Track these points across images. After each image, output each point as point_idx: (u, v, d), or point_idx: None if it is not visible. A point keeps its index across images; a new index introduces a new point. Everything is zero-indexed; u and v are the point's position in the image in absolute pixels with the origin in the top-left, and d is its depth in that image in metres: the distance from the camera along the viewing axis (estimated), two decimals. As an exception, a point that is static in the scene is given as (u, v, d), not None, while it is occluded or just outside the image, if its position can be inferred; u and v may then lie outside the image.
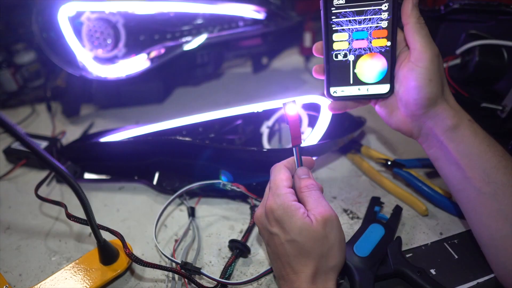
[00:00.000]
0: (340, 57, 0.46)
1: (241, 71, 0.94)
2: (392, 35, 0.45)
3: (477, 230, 0.45)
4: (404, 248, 0.51)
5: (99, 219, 0.60)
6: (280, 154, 0.59)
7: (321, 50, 0.47)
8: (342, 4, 0.44)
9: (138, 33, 0.81)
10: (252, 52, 0.89)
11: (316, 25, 1.09)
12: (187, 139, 0.61)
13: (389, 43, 0.45)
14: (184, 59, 0.84)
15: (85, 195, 0.43)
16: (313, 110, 0.66)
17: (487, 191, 0.43)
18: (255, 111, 0.68)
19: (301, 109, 0.46)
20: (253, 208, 0.57)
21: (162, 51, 0.81)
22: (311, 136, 0.61)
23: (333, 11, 0.44)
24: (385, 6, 0.44)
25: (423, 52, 0.43)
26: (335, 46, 0.46)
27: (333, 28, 0.45)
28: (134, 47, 0.83)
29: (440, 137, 0.45)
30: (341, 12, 0.44)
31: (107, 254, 0.50)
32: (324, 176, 0.64)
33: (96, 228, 0.47)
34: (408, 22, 0.44)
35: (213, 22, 0.82)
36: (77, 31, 0.77)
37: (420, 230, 0.54)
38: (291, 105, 0.43)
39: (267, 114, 0.69)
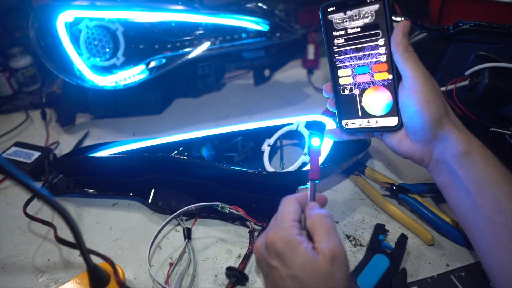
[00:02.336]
0: (346, 91, 0.49)
1: (242, 83, 0.92)
2: (393, 68, 0.45)
3: (487, 262, 0.43)
4: (409, 279, 0.49)
5: (91, 238, 0.58)
6: (277, 177, 0.57)
7: (330, 90, 0.51)
8: (342, 43, 0.47)
9: (138, 42, 0.79)
10: (254, 64, 0.87)
11: (319, 37, 1.07)
12: (183, 157, 0.59)
13: (390, 76, 0.46)
14: (185, 70, 0.82)
15: (73, 219, 0.40)
16: (316, 129, 0.64)
17: (499, 221, 0.41)
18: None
19: (320, 138, 0.45)
20: (252, 232, 0.54)
21: (162, 61, 0.78)
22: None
23: (335, 50, 0.48)
24: (381, 42, 0.45)
25: (415, 77, 0.43)
26: (341, 81, 0.49)
27: (337, 65, 0.48)
28: (133, 56, 0.81)
29: (450, 162, 0.44)
30: (342, 50, 0.47)
31: (97, 279, 0.47)
32: (328, 199, 0.61)
33: (86, 253, 0.44)
34: (397, 51, 0.44)
35: (215, 33, 0.80)
36: (75, 38, 0.75)
37: (425, 261, 0.51)
38: (316, 139, 0.45)
39: (269, 131, 0.67)
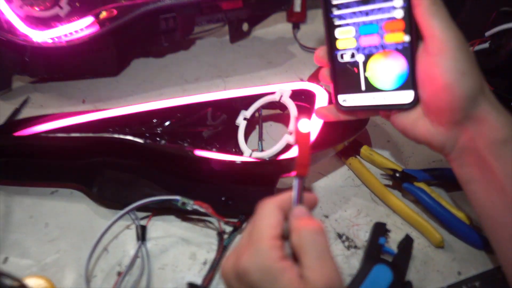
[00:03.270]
0: (346, 58, 0.38)
1: (215, 39, 0.77)
2: (411, 27, 0.34)
3: None
4: (414, 292, 0.39)
5: (21, 238, 0.46)
6: (256, 166, 0.46)
7: (324, 56, 0.40)
8: None
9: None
10: (230, 17, 0.72)
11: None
12: (129, 137, 0.46)
13: (407, 38, 0.35)
14: (145, 22, 0.67)
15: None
16: (304, 100, 0.52)
17: None
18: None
19: (307, 124, 0.32)
20: (221, 234, 0.43)
21: (115, 12, 0.64)
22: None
23: (333, 2, 0.36)
24: None
25: (447, 40, 0.33)
26: (340, 44, 0.38)
27: (335, 23, 0.37)
28: (79, 5, 0.65)
29: (483, 151, 0.34)
30: (343, 2, 0.36)
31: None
32: (314, 184, 0.51)
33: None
34: (421, 3, 0.33)
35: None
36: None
37: (433, 268, 0.42)
38: (304, 123, 0.32)
39: (246, 101, 0.54)
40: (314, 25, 0.80)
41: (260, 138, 0.53)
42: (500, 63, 0.52)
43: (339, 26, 0.37)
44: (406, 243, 0.42)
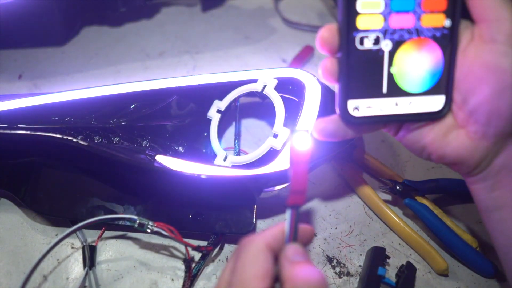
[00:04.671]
0: (368, 44, 0.28)
1: (184, 6, 0.65)
2: (454, 9, 0.27)
3: None
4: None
5: None
6: (236, 181, 0.37)
7: (331, 38, 0.28)
8: None
9: None
10: (201, -21, 0.61)
11: None
12: (70, 138, 0.36)
13: (448, 23, 0.28)
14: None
15: None
16: (291, 92, 0.43)
17: None
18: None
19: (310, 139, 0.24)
20: (189, 262, 0.35)
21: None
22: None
23: None
24: None
25: None
26: (362, 22, 0.27)
27: None
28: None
29: None
30: None
31: None
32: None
33: None
34: None
35: None
36: None
37: (436, 298, 0.36)
38: (303, 137, 0.25)
39: (221, 89, 0.45)
40: (298, -5, 0.70)
41: (237, 136, 0.44)
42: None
43: None
44: (408, 273, 0.36)
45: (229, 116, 0.47)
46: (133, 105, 0.44)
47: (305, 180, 0.25)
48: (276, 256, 0.25)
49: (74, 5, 0.58)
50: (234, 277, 0.24)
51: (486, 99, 0.27)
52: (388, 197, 0.43)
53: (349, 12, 0.27)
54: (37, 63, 0.56)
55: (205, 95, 0.45)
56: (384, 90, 0.29)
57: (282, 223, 0.26)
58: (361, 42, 0.28)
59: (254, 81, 0.44)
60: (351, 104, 0.29)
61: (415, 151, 0.32)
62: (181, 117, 0.45)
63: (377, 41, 0.28)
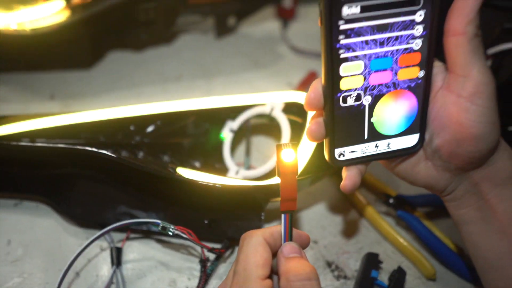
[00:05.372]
0: (350, 102, 0.30)
1: (199, 34, 0.72)
2: (427, 61, 0.30)
3: None
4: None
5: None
6: (243, 191, 0.42)
7: (317, 100, 0.30)
8: (355, 15, 0.27)
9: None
10: (216, 10, 0.67)
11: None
12: (103, 152, 0.42)
13: (422, 74, 0.30)
14: (122, 12, 0.61)
15: None
16: (296, 113, 0.49)
17: None
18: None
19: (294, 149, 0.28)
20: (204, 262, 0.40)
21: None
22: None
23: (341, 28, 0.27)
24: (420, 15, 0.28)
25: (485, 84, 0.28)
26: (344, 84, 0.29)
27: (341, 56, 0.28)
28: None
29: (486, 193, 0.32)
30: (353, 28, 0.27)
31: None
32: (302, 206, 0.48)
33: None
34: (465, 33, 0.27)
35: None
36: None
37: (424, 301, 0.41)
38: (288, 151, 0.28)
39: (233, 110, 0.50)
40: (305, 24, 0.76)
41: (248, 154, 0.50)
42: (501, 85, 0.49)
43: (346, 59, 0.28)
44: (399, 276, 0.40)
45: (241, 135, 0.52)
46: (155, 124, 0.49)
47: (294, 189, 0.29)
48: (274, 251, 0.30)
49: (101, 33, 0.64)
50: (238, 266, 0.28)
51: (447, 143, 0.31)
52: (383, 210, 0.48)
53: (333, 76, 0.29)
54: (67, 85, 0.62)
55: (219, 116, 0.51)
56: (366, 136, 0.32)
57: (278, 225, 0.30)
58: (344, 101, 0.30)
59: (263, 103, 0.49)
60: (337, 151, 0.32)
61: (396, 176, 0.36)
62: (197, 135, 0.50)
63: (358, 97, 0.30)
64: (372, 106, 0.31)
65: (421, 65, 0.30)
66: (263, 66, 0.68)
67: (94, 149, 0.41)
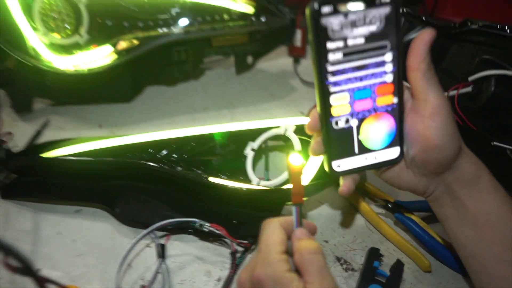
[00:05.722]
0: (341, 124, 0.38)
1: (222, 70, 0.83)
2: (398, 90, 0.38)
3: None
4: (404, 311, 0.45)
5: (50, 252, 0.50)
6: (264, 194, 0.51)
7: (315, 125, 0.39)
8: (339, 59, 0.35)
9: (104, 17, 0.69)
10: (236, 50, 0.79)
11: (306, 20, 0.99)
12: (153, 164, 0.51)
13: (396, 100, 0.38)
14: (158, 54, 0.73)
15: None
16: (306, 134, 0.58)
17: (507, 259, 0.38)
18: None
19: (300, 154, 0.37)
20: (233, 254, 0.49)
21: (135, 42, 0.69)
22: (304, 171, 0.53)
23: (328, 69, 0.35)
24: (389, 57, 0.36)
25: (440, 105, 0.37)
26: (335, 111, 0.37)
27: (331, 90, 0.36)
28: (99, 34, 0.70)
29: (458, 193, 0.40)
30: (338, 69, 0.35)
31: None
32: (314, 212, 0.57)
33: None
34: (419, 69, 0.37)
35: (194, 12, 0.71)
36: (28, 8, 0.64)
37: (421, 289, 0.48)
38: (296, 157, 0.36)
39: (253, 133, 0.60)
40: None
41: (267, 168, 0.59)
42: (482, 106, 0.58)
43: (334, 93, 0.36)
44: (397, 267, 0.48)
45: (260, 152, 0.61)
46: (190, 145, 0.59)
47: (301, 187, 0.36)
48: (288, 236, 0.38)
49: (140, 71, 0.75)
50: (261, 244, 0.36)
51: (419, 153, 0.39)
52: (383, 213, 0.56)
53: (325, 106, 0.37)
54: (112, 115, 0.73)
55: (241, 138, 0.60)
56: (356, 151, 0.39)
57: (291, 216, 0.38)
58: (336, 124, 0.38)
59: (278, 126, 0.59)
60: (335, 163, 0.40)
61: (386, 182, 0.44)
62: (224, 154, 0.60)
63: (347, 121, 0.38)
64: (358, 127, 0.38)
65: (394, 93, 0.38)
66: (278, 97, 0.78)
67: (144, 162, 0.51)
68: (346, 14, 0.33)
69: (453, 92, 0.60)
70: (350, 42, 0.35)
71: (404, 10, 0.67)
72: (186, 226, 0.50)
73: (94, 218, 0.55)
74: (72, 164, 0.55)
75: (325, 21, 0.33)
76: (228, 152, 0.60)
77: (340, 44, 0.34)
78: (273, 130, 0.59)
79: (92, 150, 0.58)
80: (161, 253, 0.49)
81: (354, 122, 0.38)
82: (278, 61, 0.87)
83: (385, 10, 0.34)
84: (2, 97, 0.74)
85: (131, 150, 0.58)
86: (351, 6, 0.33)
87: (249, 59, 0.83)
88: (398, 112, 0.39)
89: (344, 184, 0.42)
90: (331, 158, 0.39)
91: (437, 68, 0.66)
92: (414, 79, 0.37)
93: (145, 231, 0.49)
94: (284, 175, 0.54)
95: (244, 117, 0.73)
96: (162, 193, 0.54)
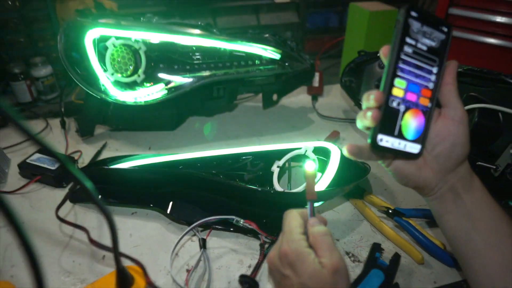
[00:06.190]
0: (394, 104, 0.45)
1: (251, 105, 0.98)
2: (433, 98, 0.47)
3: (479, 283, 0.48)
4: (401, 294, 0.55)
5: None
6: (288, 197, 0.63)
7: (381, 97, 0.45)
8: (409, 52, 0.44)
9: (158, 61, 0.86)
10: (264, 89, 0.94)
11: (323, 64, 1.14)
12: (202, 173, 0.65)
13: (430, 104, 0.47)
14: (201, 91, 0.88)
15: (114, 222, 0.45)
16: (322, 155, 0.71)
17: (493, 243, 0.46)
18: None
19: (314, 162, 0.49)
20: (263, 245, 0.60)
21: (183, 81, 0.84)
22: (321, 182, 0.65)
23: (401, 56, 0.44)
24: (435, 70, 0.46)
25: (464, 114, 0.47)
26: (394, 91, 0.45)
27: (397, 73, 0.44)
28: (153, 74, 0.86)
29: (459, 190, 0.48)
30: (406, 60, 0.44)
31: (124, 280, 0.52)
32: (329, 219, 0.68)
33: (118, 256, 0.50)
34: (452, 83, 0.47)
35: (232, 58, 0.87)
36: (100, 55, 0.81)
37: (416, 278, 0.58)
38: (310, 164, 0.48)
39: (279, 154, 0.73)
40: (329, 98, 1.02)
41: (289, 181, 0.71)
42: (469, 133, 0.69)
43: (398, 76, 0.44)
44: (395, 258, 0.58)
45: (285, 169, 0.74)
46: (226, 162, 0.72)
47: (314, 186, 0.48)
48: (304, 223, 0.49)
49: (185, 105, 0.91)
50: (284, 227, 0.48)
51: (446, 149, 0.46)
52: (385, 217, 0.66)
53: (390, 84, 0.44)
54: (159, 140, 0.87)
55: (269, 157, 0.73)
56: (396, 133, 0.45)
57: (306, 209, 0.50)
58: (391, 103, 0.44)
59: (299, 148, 0.72)
60: (379, 136, 0.44)
61: (399, 179, 0.51)
62: (255, 170, 0.73)
63: (398, 104, 0.45)
64: (403, 113, 0.45)
65: (430, 99, 0.46)
66: (299, 128, 0.92)
67: (195, 172, 0.64)
68: (422, 24, 0.44)
69: (444, 122, 0.72)
70: (419, 45, 0.45)
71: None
72: (224, 222, 0.62)
73: (147, 218, 0.68)
74: (135, 173, 0.68)
75: (410, 20, 0.44)
76: (258, 169, 0.73)
77: (413, 42, 0.44)
78: (295, 151, 0.72)
79: (145, 165, 0.72)
80: (203, 245, 0.61)
81: (402, 108, 0.45)
82: (299, 98, 1.01)
83: (442, 36, 0.46)
84: (70, 124, 0.90)
85: (183, 164, 0.72)
86: (427, 21, 0.44)
87: (275, 97, 0.97)
88: (429, 115, 0.46)
89: (350, 145, 0.49)
90: (379, 130, 0.45)
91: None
92: (448, 91, 0.47)
93: (192, 225, 0.62)
94: (303, 186, 0.66)
95: (270, 143, 0.86)
96: (203, 198, 0.67)
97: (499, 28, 1.02)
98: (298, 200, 0.63)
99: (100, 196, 0.70)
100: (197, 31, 0.88)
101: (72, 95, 1.04)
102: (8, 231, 0.64)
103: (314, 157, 0.70)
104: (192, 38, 0.86)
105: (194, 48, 0.86)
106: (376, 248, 0.59)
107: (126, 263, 0.55)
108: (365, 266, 0.57)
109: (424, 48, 0.45)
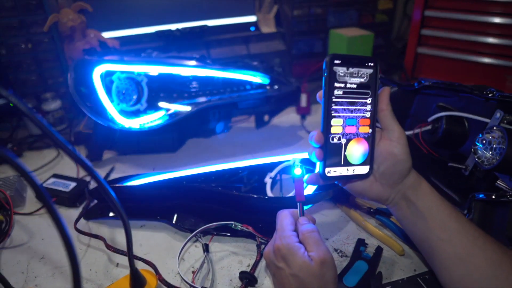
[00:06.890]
0: (335, 140, 0.52)
1: (245, 126, 1.07)
2: (372, 124, 0.54)
3: (440, 273, 0.54)
4: (384, 281, 0.61)
5: (124, 251, 0.70)
6: (279, 201, 0.71)
7: (320, 138, 0.53)
8: (340, 95, 0.51)
9: (159, 91, 0.95)
10: (256, 111, 1.03)
11: (310, 86, 1.24)
12: (203, 185, 0.73)
13: (370, 130, 0.54)
14: (198, 115, 0.97)
15: (129, 226, 0.53)
16: (309, 164, 0.79)
17: (444, 238, 0.52)
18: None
19: (302, 168, 0.57)
20: (259, 245, 0.67)
21: (182, 107, 0.94)
22: (308, 187, 0.73)
23: (333, 100, 0.51)
24: (369, 101, 0.53)
25: (401, 133, 0.54)
26: (333, 130, 0.52)
27: (332, 114, 0.51)
28: (154, 103, 0.95)
29: (410, 196, 0.55)
30: (339, 101, 0.51)
31: (137, 281, 0.59)
32: (318, 221, 0.75)
33: (132, 257, 0.57)
34: (386, 109, 0.54)
35: (225, 85, 0.96)
36: (107, 87, 0.90)
37: (397, 267, 0.64)
38: (297, 169, 0.57)
39: (270, 166, 0.81)
40: (316, 116, 1.10)
41: (281, 190, 0.79)
42: (439, 139, 0.78)
43: (334, 117, 0.51)
44: (378, 250, 0.65)
45: (276, 181, 0.81)
46: (224, 176, 0.80)
47: (302, 189, 0.56)
48: (295, 221, 0.56)
49: (184, 128, 0.99)
50: (277, 226, 0.55)
51: (389, 166, 0.53)
52: (367, 217, 0.74)
53: (328, 125, 0.51)
54: (162, 162, 0.95)
55: (262, 170, 0.81)
56: (342, 163, 0.53)
57: (297, 210, 0.58)
58: (332, 140, 0.52)
59: (289, 159, 0.80)
60: (327, 170, 0.53)
61: (355, 194, 0.59)
62: (249, 182, 0.80)
63: (339, 139, 0.52)
64: (345, 144, 0.53)
65: (370, 126, 0.53)
66: (289, 144, 1.00)
67: (197, 184, 0.72)
68: (348, 67, 0.50)
69: (418, 130, 0.81)
70: (348, 85, 0.51)
71: (380, 75, 0.90)
72: (224, 228, 0.69)
73: (155, 229, 0.75)
74: (143, 189, 0.76)
75: (335, 68, 0.50)
76: (253, 181, 0.81)
77: (342, 85, 0.51)
78: (285, 163, 0.80)
79: (151, 182, 0.79)
80: (206, 249, 0.68)
81: (343, 141, 0.53)
82: (288, 117, 1.10)
83: (370, 71, 0.52)
84: (79, 151, 0.99)
85: (185, 180, 0.80)
86: (351, 63, 0.51)
87: (266, 117, 1.06)
88: (371, 140, 0.54)
89: (309, 176, 0.57)
90: (325, 165, 0.53)
91: (406, 113, 0.88)
92: (383, 116, 0.54)
93: (195, 231, 0.69)
94: (293, 192, 0.74)
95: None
96: (205, 209, 0.74)
97: (463, 45, 1.13)
98: (289, 204, 0.71)
99: (111, 214, 0.77)
100: (193, 62, 0.98)
101: (80, 125, 1.13)
102: (29, 247, 0.71)
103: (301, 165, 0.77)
104: (188, 69, 0.96)
105: (191, 77, 0.96)
106: (360, 243, 0.67)
107: (139, 266, 0.62)
108: (351, 258, 0.64)
109: (354, 86, 0.51)
